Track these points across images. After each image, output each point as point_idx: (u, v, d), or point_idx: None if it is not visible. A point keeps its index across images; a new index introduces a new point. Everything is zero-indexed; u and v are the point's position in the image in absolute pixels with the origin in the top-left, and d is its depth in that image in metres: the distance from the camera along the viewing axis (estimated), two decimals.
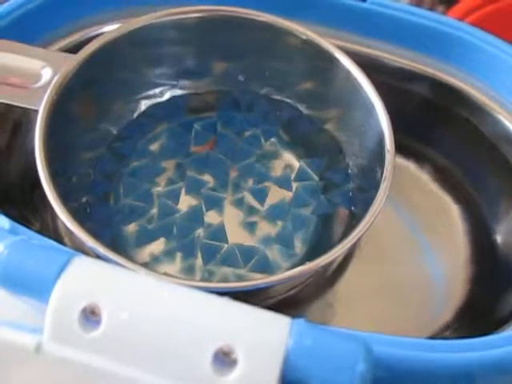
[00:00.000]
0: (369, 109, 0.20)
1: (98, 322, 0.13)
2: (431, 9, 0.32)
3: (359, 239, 0.17)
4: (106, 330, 0.13)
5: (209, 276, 0.20)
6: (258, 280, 0.16)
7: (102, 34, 0.20)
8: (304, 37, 0.21)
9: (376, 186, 0.19)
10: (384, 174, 0.18)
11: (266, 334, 0.13)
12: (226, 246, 0.21)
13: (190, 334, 0.12)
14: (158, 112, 0.24)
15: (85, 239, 0.16)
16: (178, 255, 0.21)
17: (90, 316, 0.13)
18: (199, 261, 0.21)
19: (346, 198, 0.22)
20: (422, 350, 0.14)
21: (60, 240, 0.21)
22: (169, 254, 0.21)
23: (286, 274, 0.16)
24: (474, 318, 0.21)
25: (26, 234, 0.15)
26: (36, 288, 0.13)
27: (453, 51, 0.21)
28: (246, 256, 0.21)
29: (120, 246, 0.20)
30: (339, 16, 0.22)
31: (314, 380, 0.12)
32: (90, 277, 0.13)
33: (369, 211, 0.18)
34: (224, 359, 0.12)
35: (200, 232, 0.21)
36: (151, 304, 0.13)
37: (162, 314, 0.13)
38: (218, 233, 0.21)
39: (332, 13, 0.22)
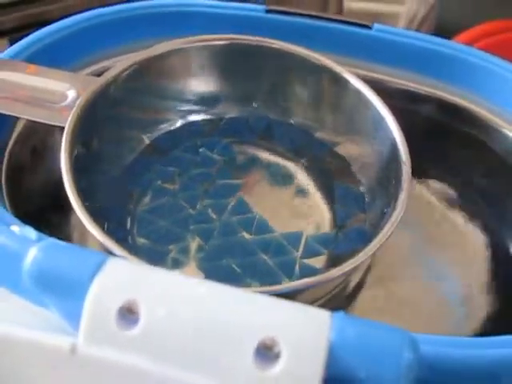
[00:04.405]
0: (380, 123, 0.20)
1: (135, 321, 0.12)
2: None
3: (386, 240, 0.17)
4: (144, 328, 0.12)
5: None
6: (293, 283, 0.16)
7: None
8: (315, 61, 0.22)
9: (391, 202, 0.19)
10: (402, 185, 0.19)
11: (307, 327, 0.12)
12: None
13: (230, 329, 0.12)
14: (170, 138, 0.24)
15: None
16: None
17: (128, 314, 0.13)
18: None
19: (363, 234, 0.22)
20: (462, 348, 0.14)
21: None
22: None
23: (316, 277, 0.16)
24: None
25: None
26: (71, 288, 0.13)
27: (458, 72, 0.22)
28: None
29: None
30: (347, 43, 0.23)
31: (360, 370, 0.12)
32: (127, 275, 0.13)
33: (388, 222, 0.18)
34: (266, 353, 0.12)
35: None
36: (189, 300, 0.13)
37: (200, 309, 0.13)
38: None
39: (339, 40, 0.23)
